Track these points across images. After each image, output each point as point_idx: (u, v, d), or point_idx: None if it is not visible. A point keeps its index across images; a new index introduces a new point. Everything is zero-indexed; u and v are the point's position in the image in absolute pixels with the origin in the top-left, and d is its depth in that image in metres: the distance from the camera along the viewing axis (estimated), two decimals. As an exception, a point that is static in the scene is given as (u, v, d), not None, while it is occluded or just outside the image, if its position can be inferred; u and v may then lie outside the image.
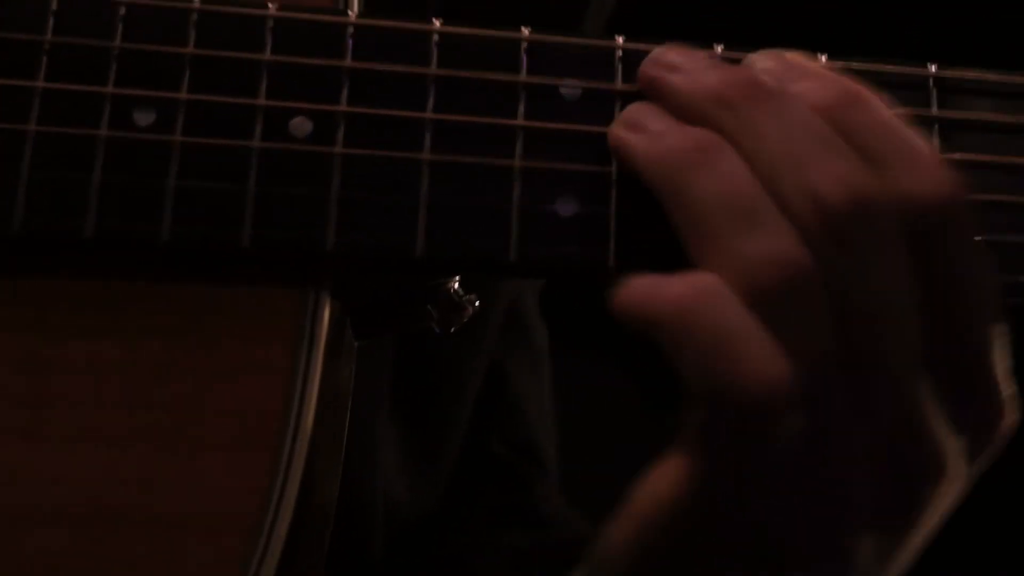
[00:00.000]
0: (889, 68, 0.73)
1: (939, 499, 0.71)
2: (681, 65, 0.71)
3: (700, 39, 0.74)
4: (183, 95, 0.71)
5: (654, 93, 0.71)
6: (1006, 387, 0.71)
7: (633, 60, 0.73)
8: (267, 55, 0.72)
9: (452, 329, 0.77)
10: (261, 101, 0.71)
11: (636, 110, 0.71)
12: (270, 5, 0.72)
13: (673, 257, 0.70)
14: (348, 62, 0.72)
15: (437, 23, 0.73)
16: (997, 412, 0.71)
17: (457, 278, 0.76)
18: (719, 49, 0.73)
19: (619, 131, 0.71)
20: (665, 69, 0.71)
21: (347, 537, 0.95)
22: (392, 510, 1.01)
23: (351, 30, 0.72)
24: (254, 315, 0.71)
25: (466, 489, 1.08)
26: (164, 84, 0.71)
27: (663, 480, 0.68)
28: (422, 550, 1.05)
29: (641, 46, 0.73)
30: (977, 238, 0.69)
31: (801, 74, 0.70)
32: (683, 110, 0.70)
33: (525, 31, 0.73)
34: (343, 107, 0.71)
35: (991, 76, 0.74)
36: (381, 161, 0.71)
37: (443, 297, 0.76)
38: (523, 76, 0.72)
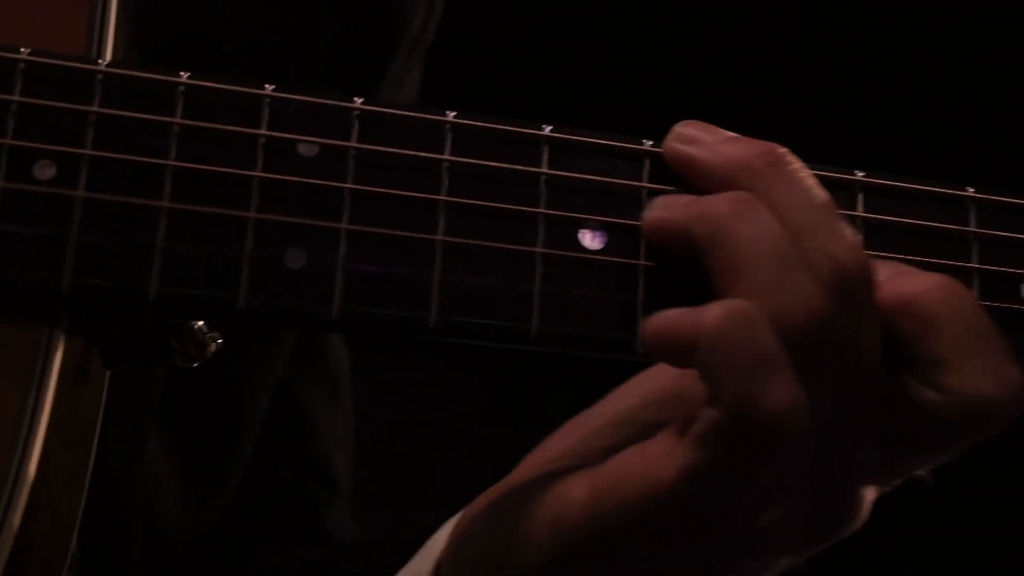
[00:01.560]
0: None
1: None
2: (701, 138, 0.78)
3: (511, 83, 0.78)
4: None
5: (680, 165, 0.78)
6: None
7: (369, 120, 0.77)
8: (16, 97, 0.74)
9: (195, 364, 0.81)
10: (7, 141, 0.74)
11: (661, 198, 0.78)
12: (22, 49, 0.75)
13: (399, 308, 0.74)
14: (95, 108, 0.75)
15: (184, 76, 0.76)
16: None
17: (201, 316, 0.80)
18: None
19: (654, 213, 0.77)
20: (687, 143, 0.78)
21: (103, 555, 0.99)
22: (162, 530, 1.04)
23: (100, 77, 0.75)
24: None
25: (249, 510, 1.11)
26: None
27: (665, 463, 0.74)
28: (195, 570, 1.08)
29: (377, 108, 0.77)
30: None
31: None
32: (711, 178, 0.77)
33: (268, 88, 0.76)
34: (87, 151, 0.74)
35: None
36: (121, 207, 0.74)
37: (187, 333, 0.80)
38: (263, 130, 0.76)
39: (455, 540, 0.85)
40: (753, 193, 0.75)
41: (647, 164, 0.79)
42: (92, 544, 0.95)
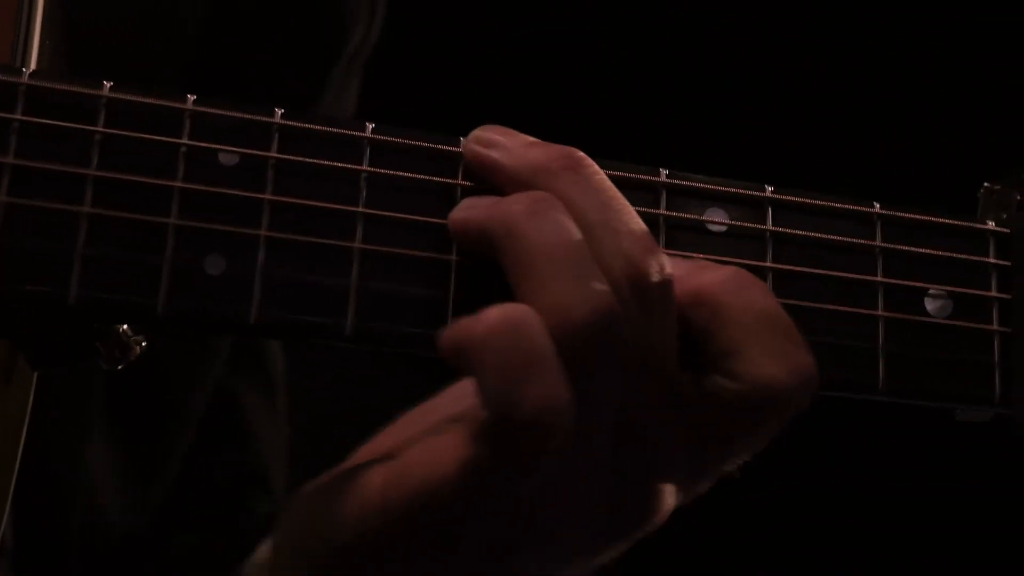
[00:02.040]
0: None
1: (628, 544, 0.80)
2: (502, 143, 0.79)
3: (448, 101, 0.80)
4: None
5: (481, 168, 0.79)
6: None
7: (288, 133, 0.78)
8: None
9: (120, 367, 0.82)
10: (-71, 149, 0.75)
11: (468, 198, 0.79)
12: (-56, 57, 0.76)
13: (316, 314, 0.76)
14: (18, 116, 0.76)
15: (107, 86, 0.77)
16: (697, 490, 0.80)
17: (126, 320, 0.81)
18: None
19: (458, 214, 0.78)
20: (488, 147, 0.79)
21: (39, 548, 1.00)
22: (100, 524, 1.06)
23: (23, 88, 0.77)
24: None
25: (184, 510, 1.13)
26: None
27: (447, 457, 0.75)
28: (131, 563, 1.10)
29: (298, 123, 0.78)
30: None
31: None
32: (510, 181, 0.78)
33: (190, 99, 0.78)
34: (9, 160, 0.76)
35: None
36: (43, 213, 0.76)
37: (112, 336, 0.81)
38: (184, 140, 0.77)
39: (283, 519, 0.85)
40: (550, 194, 0.76)
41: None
42: (29, 537, 0.96)
